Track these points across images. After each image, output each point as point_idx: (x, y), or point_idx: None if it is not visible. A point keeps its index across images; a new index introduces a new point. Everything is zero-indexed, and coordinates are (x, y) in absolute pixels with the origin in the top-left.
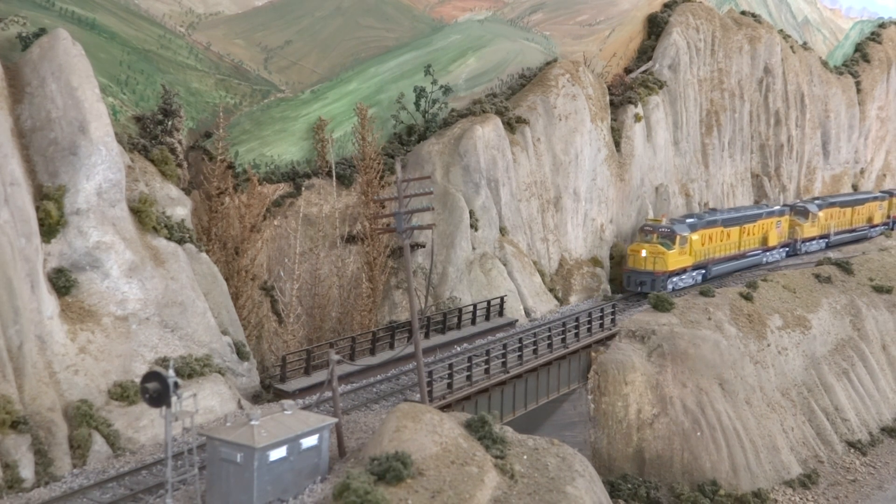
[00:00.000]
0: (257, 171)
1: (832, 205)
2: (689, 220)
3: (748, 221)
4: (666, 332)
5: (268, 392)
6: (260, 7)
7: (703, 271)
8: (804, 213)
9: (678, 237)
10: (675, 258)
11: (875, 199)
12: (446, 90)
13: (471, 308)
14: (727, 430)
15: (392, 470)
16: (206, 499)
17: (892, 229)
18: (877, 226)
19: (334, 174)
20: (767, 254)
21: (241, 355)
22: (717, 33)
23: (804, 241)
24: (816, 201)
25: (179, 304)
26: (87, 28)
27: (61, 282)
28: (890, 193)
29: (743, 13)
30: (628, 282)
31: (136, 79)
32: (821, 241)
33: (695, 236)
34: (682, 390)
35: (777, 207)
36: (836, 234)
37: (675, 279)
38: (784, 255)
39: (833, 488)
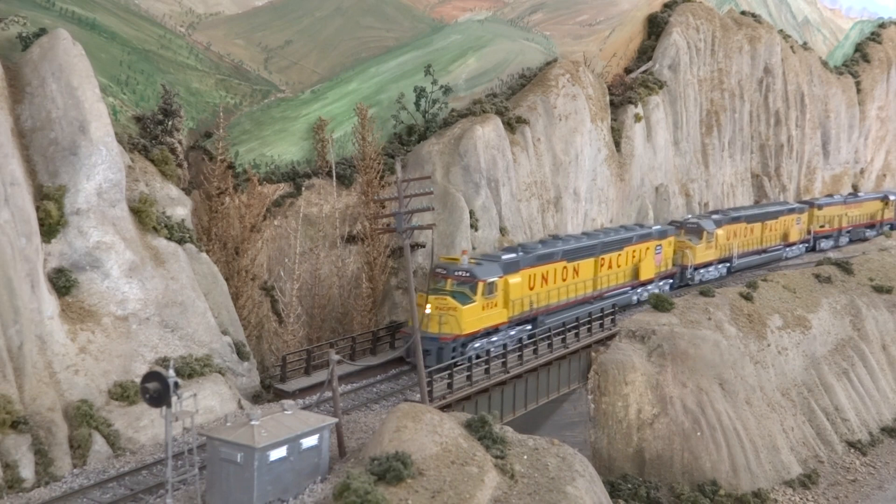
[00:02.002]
0: (257, 171)
1: (735, 220)
2: (505, 257)
3: (609, 249)
4: (666, 332)
5: (268, 392)
6: (260, 7)
7: (529, 326)
8: (697, 232)
9: (482, 284)
10: (475, 315)
11: (791, 211)
12: (446, 90)
13: None
14: (727, 430)
15: (392, 470)
16: (206, 499)
17: (813, 248)
18: (793, 244)
19: (334, 174)
20: (638, 290)
21: (242, 355)
22: (717, 33)
23: (697, 267)
24: (714, 216)
25: (179, 304)
26: (87, 28)
27: (61, 282)
28: (810, 204)
29: (743, 13)
30: (407, 350)
31: (137, 79)
32: (720, 266)
33: (514, 279)
34: (682, 390)
35: (656, 227)
36: (742, 256)
37: (477, 343)
38: (668, 288)
39: (833, 488)
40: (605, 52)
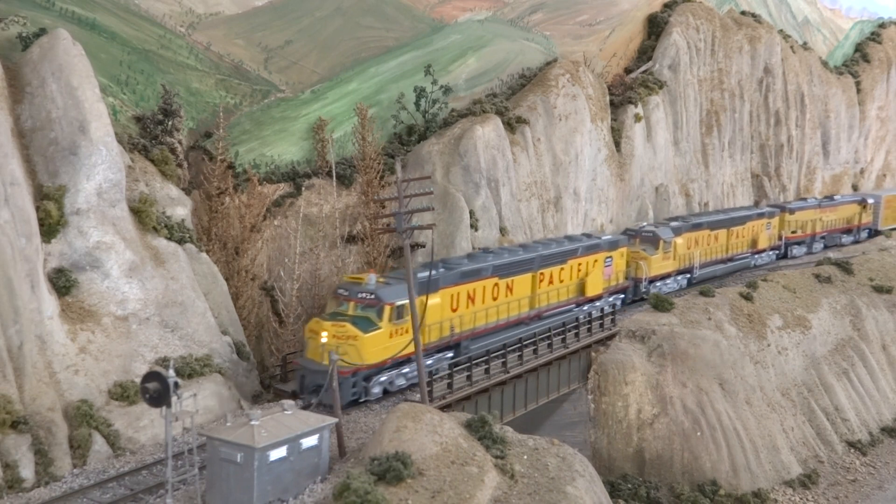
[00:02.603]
0: (257, 171)
1: (697, 227)
2: (421, 275)
3: (550, 263)
4: (666, 332)
5: (268, 392)
6: (260, 7)
7: (451, 353)
8: (652, 242)
9: (388, 308)
10: (379, 344)
11: (760, 216)
12: (446, 90)
13: None
14: (727, 430)
15: (392, 470)
16: (206, 499)
17: (785, 255)
18: (763, 251)
19: (334, 174)
20: (584, 308)
21: (242, 355)
22: (717, 33)
23: (652, 280)
24: (674, 223)
25: (179, 304)
26: (87, 28)
27: (61, 282)
28: (781, 208)
29: (743, 13)
30: (301, 384)
31: (136, 79)
32: (680, 278)
33: (432, 300)
34: (682, 390)
35: (607, 237)
36: (704, 266)
37: (383, 377)
38: (619, 304)
39: (833, 488)
40: (605, 52)
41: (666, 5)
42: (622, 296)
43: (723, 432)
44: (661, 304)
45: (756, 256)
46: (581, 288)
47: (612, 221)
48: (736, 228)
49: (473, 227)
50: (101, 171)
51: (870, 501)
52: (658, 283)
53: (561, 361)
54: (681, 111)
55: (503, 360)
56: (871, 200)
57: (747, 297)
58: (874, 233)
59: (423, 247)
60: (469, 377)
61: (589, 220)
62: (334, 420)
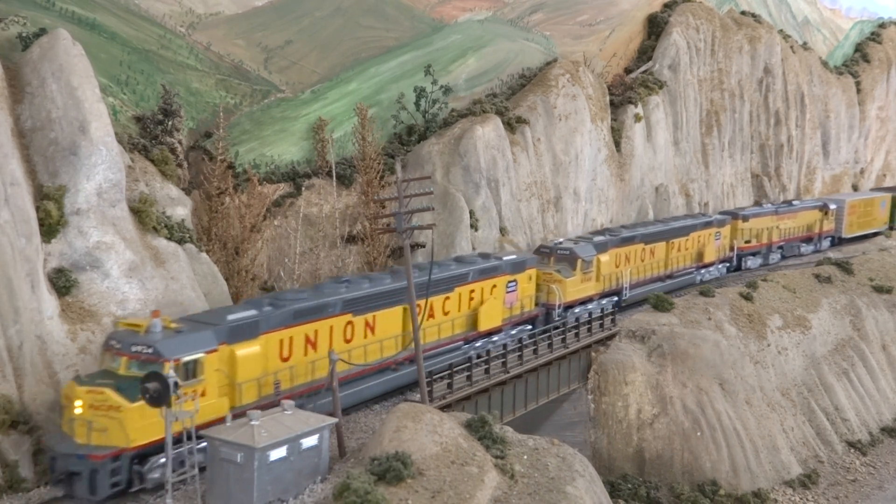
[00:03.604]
0: (257, 171)
1: (628, 241)
2: (233, 317)
3: (430, 292)
4: (666, 332)
5: None
6: (260, 7)
7: None
8: (569, 261)
9: (170, 367)
10: (151, 416)
11: (707, 225)
12: (446, 90)
13: None
14: (727, 430)
15: (392, 470)
16: (206, 499)
17: (738, 268)
18: (710, 265)
19: (334, 174)
20: (477, 344)
21: None
22: (717, 33)
23: (568, 306)
24: (598, 238)
25: (179, 304)
26: (87, 28)
27: (61, 282)
28: (733, 215)
29: (743, 13)
30: (52, 465)
31: (137, 79)
32: (605, 301)
33: (246, 349)
34: (682, 390)
35: (510, 258)
36: (637, 285)
37: (162, 459)
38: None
39: (833, 488)
40: (605, 52)
41: (666, 5)
42: (529, 326)
43: (723, 432)
44: (661, 304)
45: (703, 271)
46: (473, 321)
47: (612, 221)
48: (678, 241)
49: (473, 227)
50: (101, 171)
51: (870, 501)
52: (577, 309)
53: (561, 361)
54: (681, 111)
55: (503, 360)
56: (833, 206)
57: (747, 297)
58: (837, 241)
59: (423, 247)
60: (469, 377)
61: (589, 220)
62: (334, 420)
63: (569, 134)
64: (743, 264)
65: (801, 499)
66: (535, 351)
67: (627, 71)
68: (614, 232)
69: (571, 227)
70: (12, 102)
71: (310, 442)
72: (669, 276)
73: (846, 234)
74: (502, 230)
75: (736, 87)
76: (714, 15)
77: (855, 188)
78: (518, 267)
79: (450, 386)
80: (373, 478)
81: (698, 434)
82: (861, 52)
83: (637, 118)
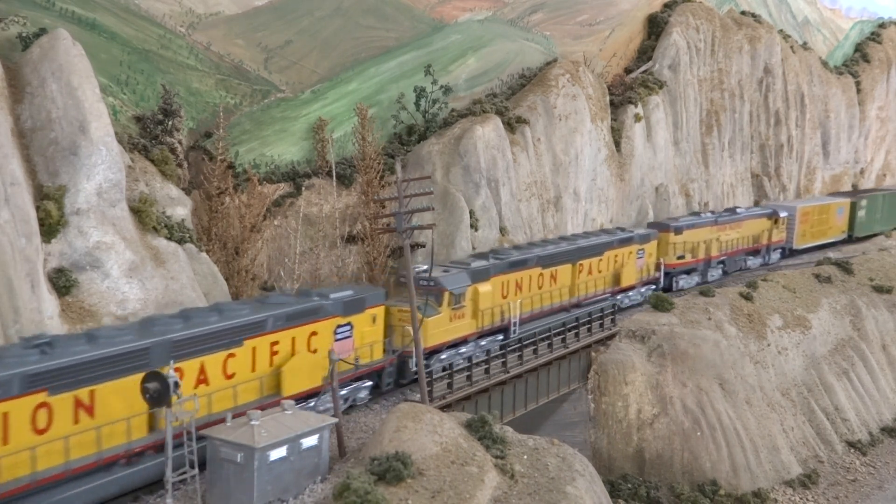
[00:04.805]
0: (257, 171)
1: (517, 265)
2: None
3: (192, 352)
4: (666, 332)
5: None
6: (260, 7)
7: None
8: (435, 293)
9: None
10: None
11: (626, 241)
12: (446, 90)
13: None
14: (727, 429)
15: (392, 470)
16: (206, 499)
17: (669, 289)
18: (630, 288)
19: (334, 174)
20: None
21: None
22: (717, 33)
23: (433, 351)
24: (478, 263)
25: (179, 304)
26: (87, 28)
27: (62, 282)
28: (663, 227)
29: (743, 13)
30: None
31: (137, 79)
32: (485, 342)
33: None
34: (682, 390)
35: (338, 294)
36: (530, 319)
37: None
38: (365, 394)
39: (833, 488)
40: (605, 52)
41: (666, 5)
42: (368, 383)
43: (723, 432)
44: (661, 304)
45: (620, 297)
46: (276, 382)
47: (611, 221)
48: (587, 262)
49: (473, 227)
50: (101, 171)
51: (870, 501)
52: (444, 355)
53: (561, 361)
54: (681, 111)
55: (503, 360)
56: (783, 213)
57: (747, 297)
58: (788, 252)
59: (423, 246)
60: (469, 377)
61: (589, 220)
62: (334, 420)
63: (569, 134)
64: (674, 285)
65: (801, 499)
66: (535, 351)
67: (627, 71)
68: (502, 254)
69: (571, 227)
70: (12, 102)
71: (310, 442)
72: (576, 306)
73: (798, 245)
74: (502, 230)
75: (736, 87)
76: (714, 15)
77: (855, 188)
78: (354, 306)
79: (450, 386)
80: (373, 478)
81: (698, 434)
82: (861, 52)
83: (637, 118)
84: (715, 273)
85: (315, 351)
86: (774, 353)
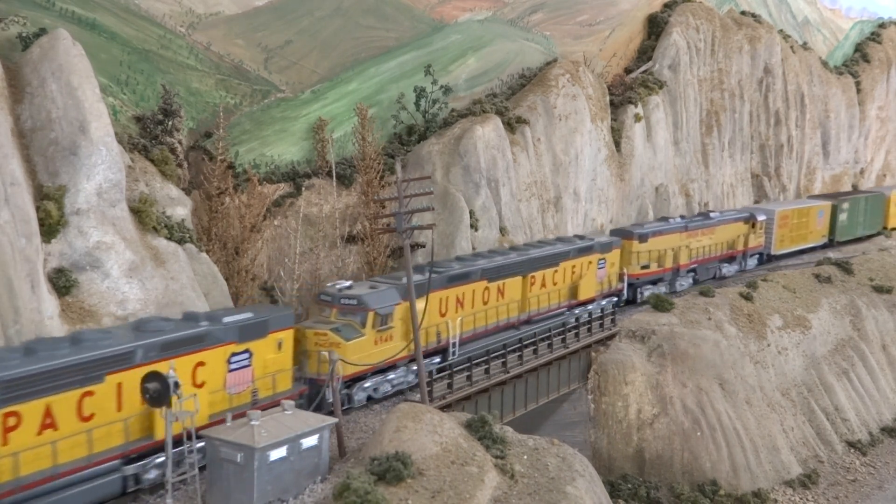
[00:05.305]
0: (257, 171)
1: (459, 279)
2: None
3: (22, 396)
4: (666, 332)
5: None
6: (260, 7)
7: None
8: (359, 313)
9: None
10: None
11: (586, 250)
12: (446, 90)
13: None
14: (727, 430)
15: (392, 470)
16: (206, 499)
17: (633, 301)
18: (590, 301)
19: (334, 174)
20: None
21: None
22: (717, 33)
23: (353, 380)
24: (394, 285)
25: (179, 305)
26: (87, 28)
27: (62, 282)
28: (626, 234)
29: (743, 13)
30: None
31: (137, 79)
32: (417, 367)
33: None
34: (682, 390)
35: (233, 318)
36: (473, 338)
37: None
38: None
39: (833, 488)
40: (605, 52)
41: (666, 5)
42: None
43: (723, 432)
44: (661, 304)
45: (578, 311)
46: (149, 424)
47: (612, 221)
48: (539, 273)
49: (473, 227)
50: (101, 171)
51: (870, 501)
52: (368, 384)
53: (561, 361)
54: (681, 111)
55: (503, 360)
56: (761, 217)
57: (747, 297)
58: (767, 258)
59: (423, 247)
60: (469, 377)
61: (589, 220)
62: (334, 420)
63: (569, 134)
64: (640, 296)
65: (801, 499)
66: (535, 351)
67: (627, 71)
68: (441, 267)
69: (571, 227)
70: (12, 102)
71: (310, 442)
72: (527, 322)
73: (777, 251)
74: (502, 230)
75: (736, 87)
76: (714, 15)
77: (855, 188)
78: (256, 331)
79: (450, 386)
80: (373, 478)
81: (698, 434)
82: (861, 52)
83: (637, 118)
84: (685, 283)
85: (202, 385)
86: (774, 353)
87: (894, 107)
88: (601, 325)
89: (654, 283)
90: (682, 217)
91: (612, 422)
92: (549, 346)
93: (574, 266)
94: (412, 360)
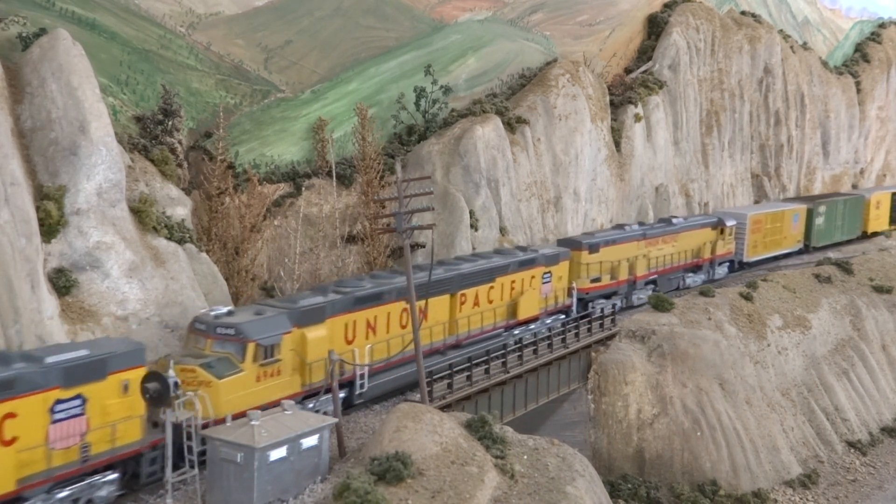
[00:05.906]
0: (257, 171)
1: (372, 299)
2: None
3: None
4: (666, 332)
5: None
6: (260, 7)
7: None
8: (237, 344)
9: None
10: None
11: (527, 263)
12: (446, 90)
13: None
14: (727, 430)
15: (392, 470)
16: (206, 499)
17: (584, 317)
18: (532, 320)
19: (334, 174)
20: None
21: None
22: (717, 33)
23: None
24: (312, 300)
25: (179, 305)
26: (87, 28)
27: (62, 282)
28: (575, 244)
29: (743, 13)
30: None
31: (137, 79)
32: (314, 403)
33: None
34: (682, 390)
35: (54, 358)
36: (386, 369)
37: None
38: None
39: (833, 488)
40: (605, 52)
41: (666, 5)
42: (111, 475)
43: (723, 432)
44: (661, 304)
45: (519, 331)
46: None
47: (612, 221)
48: (471, 290)
49: (473, 227)
50: (101, 171)
51: (870, 501)
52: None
53: (561, 361)
54: (681, 111)
55: (503, 360)
56: (731, 222)
57: (747, 297)
58: (738, 266)
59: (423, 247)
60: (469, 377)
61: (589, 220)
62: (334, 420)
63: (569, 134)
64: (591, 312)
65: (801, 499)
66: (535, 351)
67: (627, 71)
68: (347, 287)
69: (571, 227)
70: (12, 102)
71: (310, 442)
72: (455, 346)
73: (749, 258)
74: (502, 230)
75: (736, 87)
76: (714, 15)
77: (855, 188)
78: (84, 373)
79: (450, 386)
80: (373, 478)
81: (698, 434)
82: (861, 52)
83: (637, 118)
84: (643, 296)
85: (12, 442)
86: (774, 353)
87: (894, 107)
88: (601, 325)
89: (606, 296)
90: (641, 224)
91: (612, 422)
92: (549, 346)
93: (514, 281)
94: (307, 396)
